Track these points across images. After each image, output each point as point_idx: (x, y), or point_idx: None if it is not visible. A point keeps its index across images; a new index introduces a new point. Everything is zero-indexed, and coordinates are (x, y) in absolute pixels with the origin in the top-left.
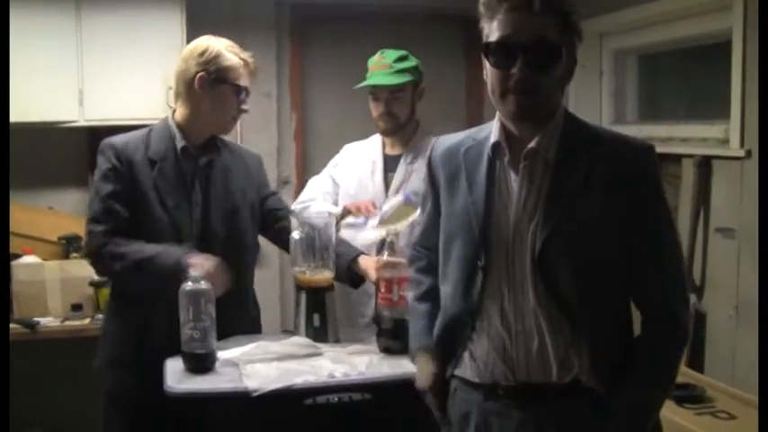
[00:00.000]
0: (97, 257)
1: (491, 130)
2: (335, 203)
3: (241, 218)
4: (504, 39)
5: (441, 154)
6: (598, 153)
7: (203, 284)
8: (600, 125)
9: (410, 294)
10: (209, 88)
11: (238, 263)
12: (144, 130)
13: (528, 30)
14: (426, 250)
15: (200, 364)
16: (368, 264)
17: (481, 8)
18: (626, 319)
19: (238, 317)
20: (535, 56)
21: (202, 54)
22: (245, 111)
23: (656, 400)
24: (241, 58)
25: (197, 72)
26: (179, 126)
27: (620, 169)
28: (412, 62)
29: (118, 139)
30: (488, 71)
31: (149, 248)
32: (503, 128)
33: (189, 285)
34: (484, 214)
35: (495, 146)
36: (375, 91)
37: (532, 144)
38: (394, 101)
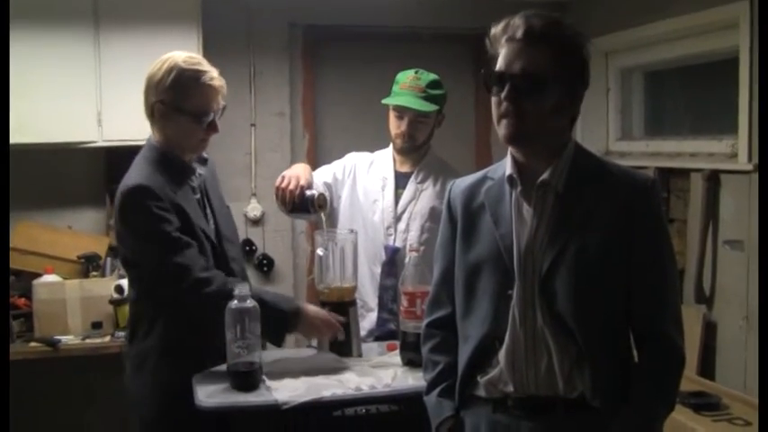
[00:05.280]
0: (209, 285)
1: (506, 167)
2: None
3: (231, 217)
4: (498, 70)
5: (460, 194)
6: (603, 188)
7: (248, 303)
8: (607, 159)
9: (426, 377)
10: (169, 117)
11: (241, 260)
12: (143, 165)
13: (519, 60)
14: (438, 329)
15: (247, 381)
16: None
17: (488, 42)
18: (626, 344)
19: None
20: (521, 83)
21: (159, 83)
22: (215, 131)
23: (655, 419)
24: (201, 83)
25: (154, 102)
26: (167, 148)
27: (623, 205)
28: (443, 90)
29: (143, 179)
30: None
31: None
32: (514, 161)
33: (235, 304)
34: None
35: (509, 178)
36: (401, 110)
37: (545, 176)
38: (417, 124)
